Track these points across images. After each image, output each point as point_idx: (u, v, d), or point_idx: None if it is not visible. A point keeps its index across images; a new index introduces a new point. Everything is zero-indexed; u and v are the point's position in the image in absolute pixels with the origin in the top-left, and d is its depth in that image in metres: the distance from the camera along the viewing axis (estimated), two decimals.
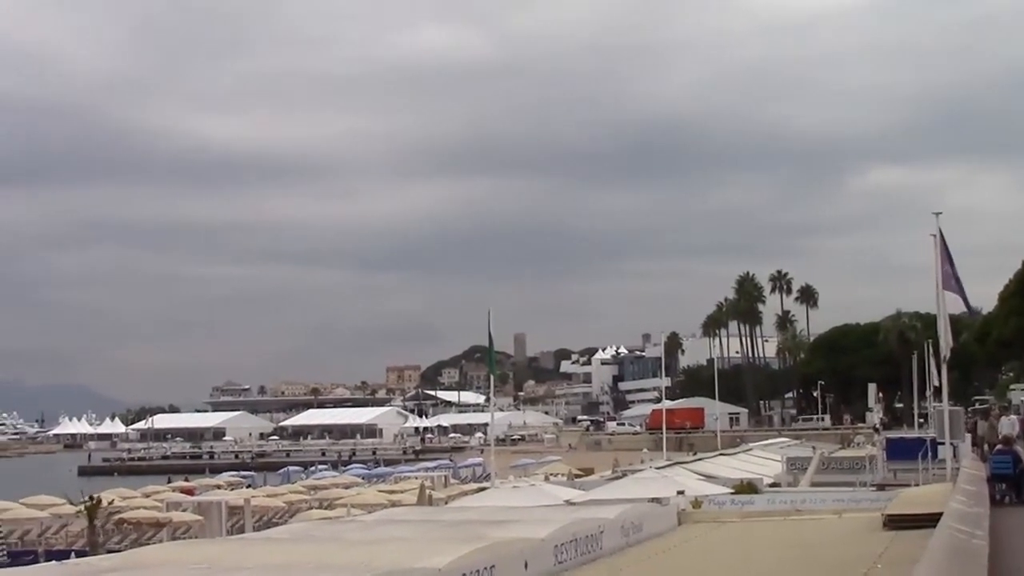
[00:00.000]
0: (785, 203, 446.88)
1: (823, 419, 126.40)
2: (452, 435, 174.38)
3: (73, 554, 34.03)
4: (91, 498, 40.67)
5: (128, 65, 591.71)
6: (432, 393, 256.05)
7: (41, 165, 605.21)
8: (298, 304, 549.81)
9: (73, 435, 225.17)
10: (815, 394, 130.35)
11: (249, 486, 66.87)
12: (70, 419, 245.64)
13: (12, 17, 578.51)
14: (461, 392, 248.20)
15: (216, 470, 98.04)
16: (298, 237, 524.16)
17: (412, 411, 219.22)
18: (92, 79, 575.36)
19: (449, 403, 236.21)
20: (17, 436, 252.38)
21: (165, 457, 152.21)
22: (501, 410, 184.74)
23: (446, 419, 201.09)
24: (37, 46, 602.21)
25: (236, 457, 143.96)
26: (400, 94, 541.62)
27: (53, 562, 20.69)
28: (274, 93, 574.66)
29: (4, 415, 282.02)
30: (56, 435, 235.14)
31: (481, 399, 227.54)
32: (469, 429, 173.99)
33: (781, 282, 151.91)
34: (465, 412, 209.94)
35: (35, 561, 35.25)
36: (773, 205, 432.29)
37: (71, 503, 45.81)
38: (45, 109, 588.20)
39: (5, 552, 41.17)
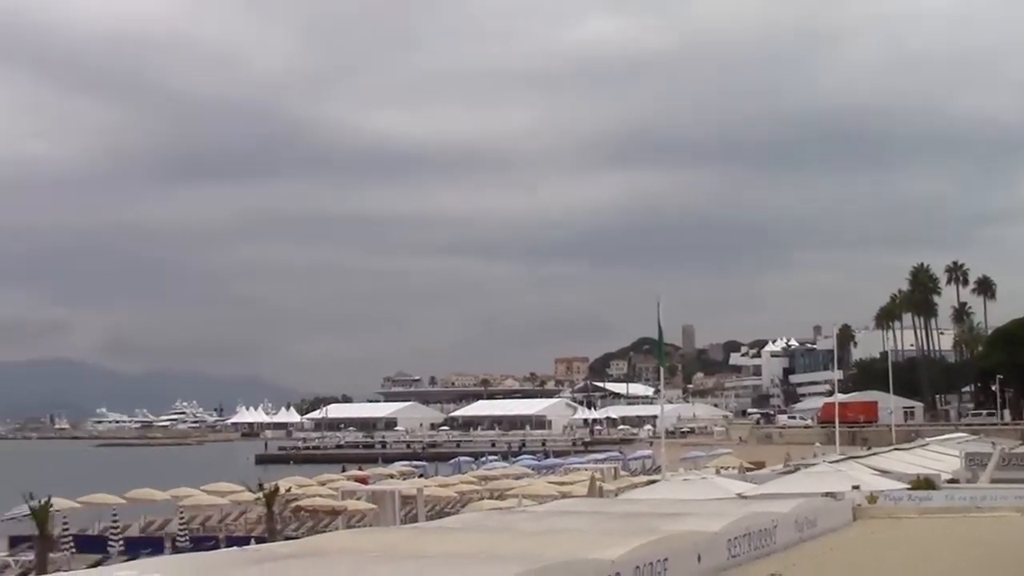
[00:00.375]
0: (963, 192, 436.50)
1: (995, 413, 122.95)
2: (621, 427, 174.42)
3: (253, 540, 34.76)
4: (262, 486, 41.50)
5: (307, 62, 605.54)
6: (600, 385, 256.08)
7: (225, 161, 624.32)
8: (470, 296, 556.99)
9: (250, 424, 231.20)
10: (993, 388, 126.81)
11: (421, 476, 67.73)
12: (247, 408, 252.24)
13: (196, 18, 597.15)
14: (629, 384, 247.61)
15: (388, 460, 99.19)
16: (473, 229, 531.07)
17: (581, 403, 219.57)
18: (272, 76, 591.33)
19: (617, 395, 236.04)
20: (197, 424, 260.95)
21: (339, 446, 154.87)
22: (670, 402, 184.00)
23: (615, 411, 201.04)
24: (219, 45, 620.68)
25: (408, 447, 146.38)
26: (575, 87, 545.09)
27: (234, 548, 21.21)
28: (451, 88, 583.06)
29: (185, 404, 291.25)
30: (234, 424, 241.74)
31: (650, 391, 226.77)
32: (638, 421, 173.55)
33: (957, 273, 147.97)
34: (634, 404, 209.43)
35: (216, 546, 36.24)
36: (950, 194, 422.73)
37: (250, 490, 46.80)
38: (229, 107, 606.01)
39: (187, 537, 42.34)
